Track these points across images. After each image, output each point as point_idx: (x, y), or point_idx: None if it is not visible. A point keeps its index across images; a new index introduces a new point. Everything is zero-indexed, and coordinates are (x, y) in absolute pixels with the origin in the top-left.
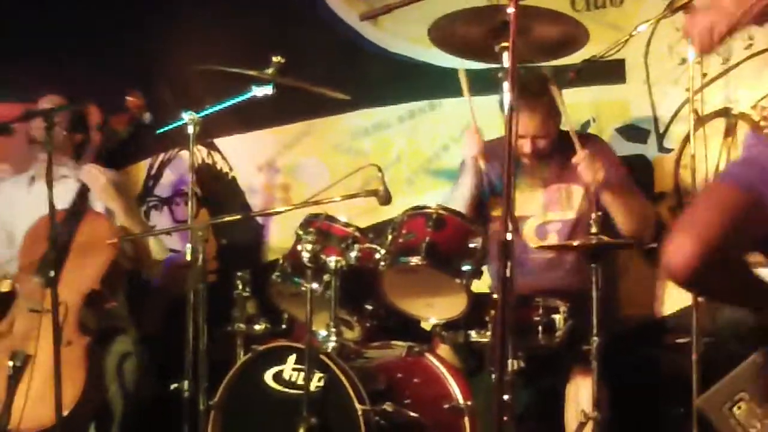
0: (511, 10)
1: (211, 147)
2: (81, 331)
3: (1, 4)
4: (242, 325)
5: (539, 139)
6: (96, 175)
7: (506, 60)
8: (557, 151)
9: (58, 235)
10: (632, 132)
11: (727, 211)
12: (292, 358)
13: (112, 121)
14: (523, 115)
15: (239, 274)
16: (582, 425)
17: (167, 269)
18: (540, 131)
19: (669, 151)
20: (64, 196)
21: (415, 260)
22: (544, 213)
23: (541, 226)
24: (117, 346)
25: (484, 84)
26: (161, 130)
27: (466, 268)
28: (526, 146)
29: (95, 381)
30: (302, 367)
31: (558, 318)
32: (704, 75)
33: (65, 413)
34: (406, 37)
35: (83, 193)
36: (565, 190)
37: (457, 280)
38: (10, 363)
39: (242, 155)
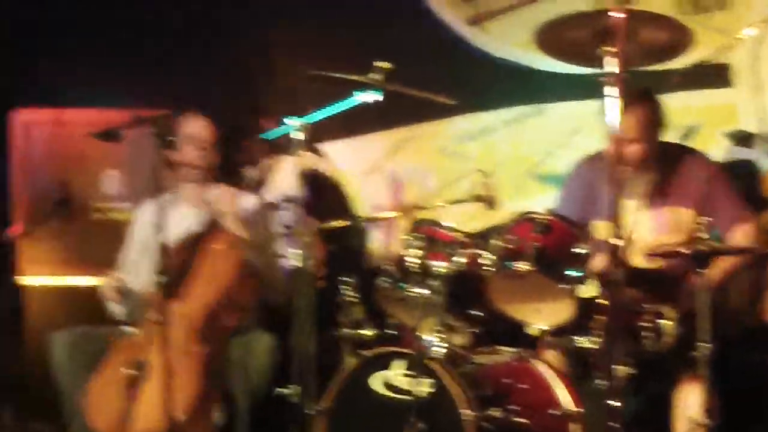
0: (617, 14)
1: (317, 152)
2: (202, 342)
3: (114, 13)
4: (349, 331)
5: (638, 144)
6: (228, 200)
7: (611, 64)
8: (661, 166)
9: (188, 250)
10: (740, 137)
11: None
12: (400, 363)
13: (253, 141)
14: (622, 119)
15: (346, 279)
16: None
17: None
18: (638, 134)
19: None
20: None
21: (521, 266)
22: (653, 236)
23: (650, 248)
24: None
25: (591, 89)
26: (267, 136)
27: (572, 273)
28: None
29: (210, 392)
30: (410, 372)
31: (666, 324)
32: None
33: (179, 421)
34: (512, 42)
35: (215, 213)
36: (675, 215)
37: (564, 286)
38: (130, 371)
39: (348, 160)
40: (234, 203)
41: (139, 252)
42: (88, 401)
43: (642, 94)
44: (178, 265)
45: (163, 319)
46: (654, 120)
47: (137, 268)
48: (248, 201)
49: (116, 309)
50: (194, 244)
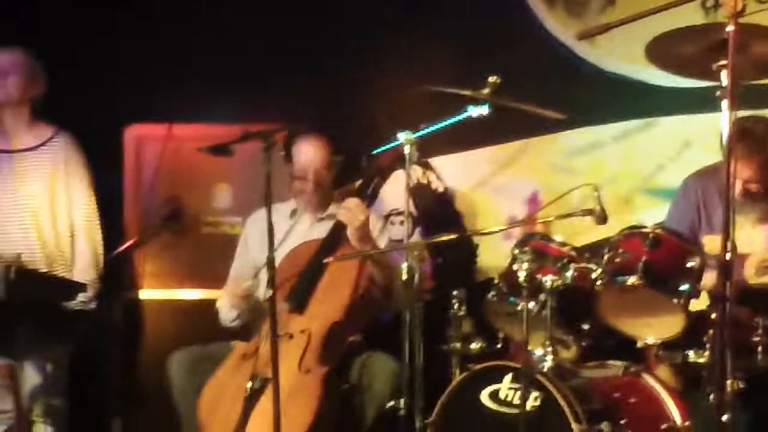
0: (730, 28)
1: (426, 166)
2: (321, 361)
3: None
4: (458, 344)
5: (751, 184)
6: (356, 214)
7: (724, 78)
8: None
9: (311, 265)
10: None
11: None
12: (509, 377)
13: (381, 158)
14: (738, 160)
15: (455, 293)
16: None
17: None
18: (753, 178)
19: None
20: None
21: (631, 280)
22: (766, 252)
23: (763, 264)
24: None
25: (702, 102)
26: (377, 151)
27: (683, 287)
28: (737, 187)
29: (327, 412)
30: (518, 386)
31: None
32: None
33: None
34: (622, 56)
35: (339, 227)
36: None
37: (674, 300)
38: (249, 384)
39: (457, 174)
40: (363, 215)
41: (253, 263)
42: (203, 405)
43: (761, 137)
44: (301, 275)
45: (286, 334)
46: None
47: (256, 280)
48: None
49: (230, 318)
50: (317, 258)
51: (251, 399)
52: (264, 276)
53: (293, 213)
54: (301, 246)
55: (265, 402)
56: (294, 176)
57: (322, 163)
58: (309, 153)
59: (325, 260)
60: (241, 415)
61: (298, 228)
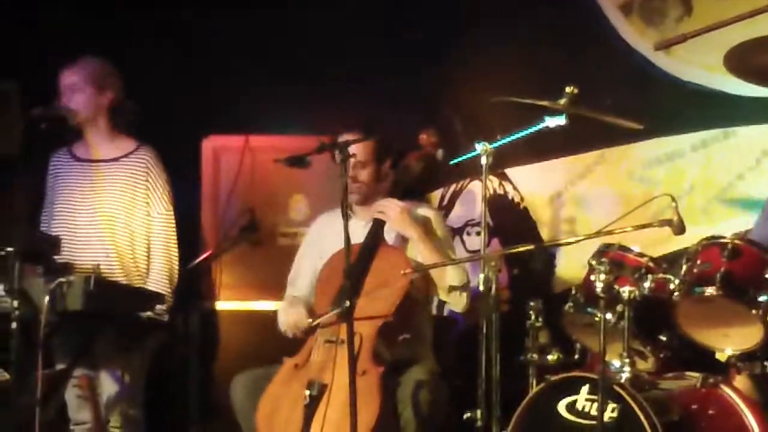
0: None
1: (503, 177)
2: (375, 361)
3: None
4: (535, 355)
5: None
6: (391, 207)
7: None
8: None
9: (354, 268)
10: None
11: None
12: (586, 388)
13: (408, 157)
14: None
15: (532, 303)
16: None
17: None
18: None
19: None
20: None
21: (710, 290)
22: None
23: None
24: (413, 374)
25: None
26: (454, 161)
27: (763, 298)
28: None
29: (389, 410)
30: (596, 397)
31: None
32: None
33: None
34: (700, 65)
35: (378, 226)
36: None
37: (754, 311)
38: (307, 392)
39: (534, 185)
40: (397, 206)
41: (311, 264)
42: (260, 420)
43: None
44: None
45: (337, 339)
46: None
47: (310, 281)
48: (422, 210)
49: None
50: (365, 259)
51: (311, 406)
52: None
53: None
54: (341, 251)
55: (324, 408)
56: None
57: (365, 163)
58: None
59: (403, 272)
60: (303, 423)
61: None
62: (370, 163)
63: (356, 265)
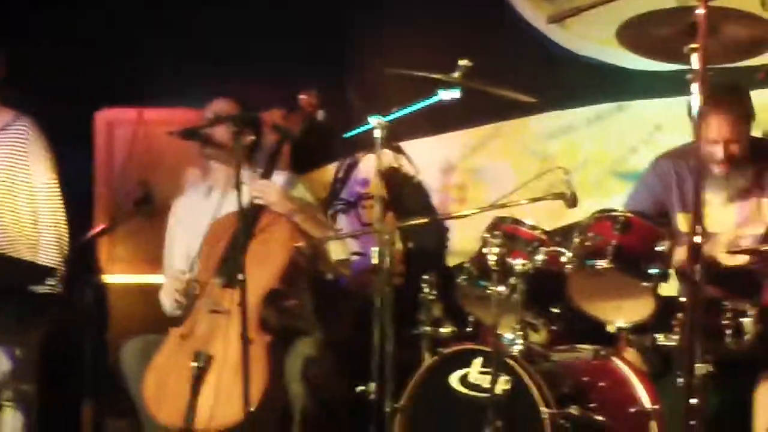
0: (700, 11)
1: (398, 150)
2: (262, 329)
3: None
4: (428, 328)
5: (732, 144)
6: (269, 191)
7: (695, 61)
8: (751, 160)
9: (237, 237)
10: None
11: None
12: (478, 361)
13: (286, 120)
14: (714, 119)
15: (425, 277)
16: None
17: (356, 273)
18: (733, 135)
19: None
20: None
21: (601, 263)
22: (736, 229)
23: (732, 243)
24: (301, 348)
25: (673, 85)
26: (349, 134)
27: (653, 271)
28: (719, 152)
29: (278, 378)
30: (488, 370)
31: (747, 321)
32: None
33: (251, 410)
34: (594, 39)
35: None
36: (757, 204)
37: (644, 284)
38: (194, 364)
39: (429, 158)
40: (277, 192)
41: (184, 243)
42: (148, 392)
43: (734, 93)
44: (226, 251)
45: (222, 309)
46: (747, 117)
47: (186, 260)
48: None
49: (174, 308)
50: (248, 226)
51: (198, 377)
52: (191, 255)
53: (209, 190)
54: (220, 220)
55: (212, 378)
56: (211, 144)
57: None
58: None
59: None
60: (190, 395)
61: (213, 202)
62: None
63: (239, 234)
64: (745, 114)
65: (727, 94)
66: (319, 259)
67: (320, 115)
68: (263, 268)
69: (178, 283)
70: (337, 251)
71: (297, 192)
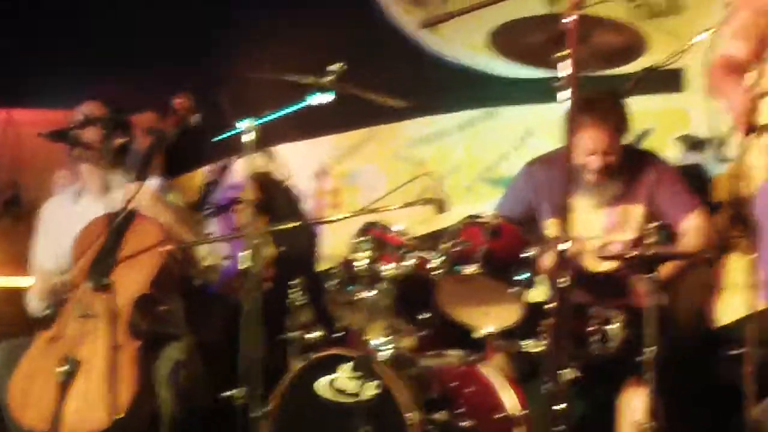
0: (571, 18)
1: (270, 154)
2: (132, 334)
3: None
4: (297, 333)
5: (607, 156)
6: (139, 196)
7: (564, 69)
8: (622, 169)
9: (108, 241)
10: (691, 141)
11: None
12: (347, 366)
13: (160, 123)
14: (590, 130)
15: (294, 281)
16: None
17: (225, 277)
18: (608, 147)
19: (727, 160)
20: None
21: (470, 269)
22: (605, 235)
23: (601, 249)
24: (170, 353)
25: (545, 92)
26: (219, 138)
27: (521, 277)
28: (594, 163)
29: (147, 384)
30: (356, 375)
31: (613, 328)
32: None
33: (119, 416)
34: (466, 45)
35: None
36: (625, 211)
37: (512, 289)
38: (62, 368)
39: (300, 162)
40: (151, 196)
41: (52, 246)
42: (12, 396)
43: (611, 104)
44: (98, 255)
45: (91, 313)
46: (622, 129)
47: (54, 263)
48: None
49: (41, 309)
50: (116, 233)
51: (65, 382)
52: (62, 259)
53: (78, 195)
54: (92, 223)
55: (80, 383)
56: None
57: (104, 126)
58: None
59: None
60: (57, 399)
61: (87, 205)
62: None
63: (110, 238)
64: (620, 125)
65: (604, 105)
66: (189, 264)
67: (194, 119)
68: (134, 272)
69: (46, 285)
70: (206, 256)
71: (169, 196)
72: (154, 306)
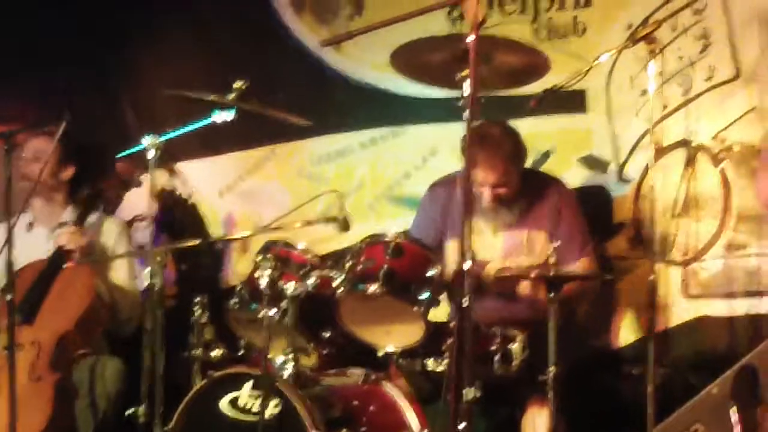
0: (472, 38)
1: (173, 171)
2: (52, 368)
3: None
4: (199, 351)
5: (500, 188)
6: (74, 238)
7: (467, 88)
8: (523, 192)
9: (40, 278)
10: (592, 162)
11: None
12: (249, 384)
13: (103, 185)
14: (483, 163)
15: (197, 299)
16: None
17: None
18: (500, 179)
19: (628, 182)
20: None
21: (372, 288)
22: (503, 260)
23: (500, 271)
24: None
25: (447, 111)
26: (121, 154)
27: (423, 296)
28: (486, 194)
29: (61, 414)
30: (258, 393)
31: (515, 347)
32: (665, 107)
33: None
34: (369, 65)
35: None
36: (527, 237)
37: (415, 308)
38: None
39: (204, 179)
40: (80, 239)
41: None
42: None
43: (504, 136)
44: (29, 290)
45: (14, 345)
46: (514, 160)
47: None
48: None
49: None
50: (48, 272)
51: None
52: None
53: (30, 226)
54: (30, 264)
55: None
56: (24, 177)
57: (49, 161)
58: (37, 150)
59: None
60: None
61: (31, 237)
62: (55, 162)
63: (40, 278)
64: (514, 156)
65: (496, 137)
66: (118, 307)
67: (136, 181)
68: (61, 311)
69: None
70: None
71: (104, 236)
72: (76, 346)
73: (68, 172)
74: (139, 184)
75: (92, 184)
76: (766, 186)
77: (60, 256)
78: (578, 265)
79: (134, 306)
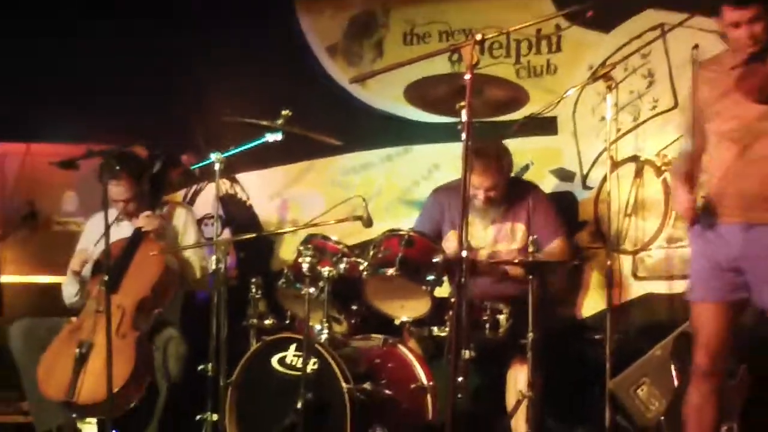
0: (467, 76)
1: (234, 180)
2: (134, 327)
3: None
4: (255, 321)
5: (490, 191)
6: (150, 221)
7: (464, 115)
8: (508, 195)
9: (120, 257)
10: (562, 173)
11: None
12: (293, 346)
13: (172, 173)
14: (477, 174)
15: (253, 280)
16: (519, 402)
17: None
18: (491, 185)
19: (590, 189)
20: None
21: (390, 271)
22: (493, 245)
23: (491, 255)
24: (165, 333)
25: (448, 134)
26: (194, 167)
27: (430, 278)
28: (480, 196)
29: (141, 367)
30: (301, 353)
31: (502, 318)
32: (618, 129)
33: (115, 390)
34: (388, 97)
35: (139, 229)
36: (510, 228)
37: (423, 287)
38: (77, 350)
39: (257, 187)
40: (156, 221)
41: (87, 252)
42: (41, 372)
43: (497, 152)
44: (114, 264)
45: (104, 309)
46: (503, 170)
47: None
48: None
49: (72, 294)
50: (130, 250)
51: (80, 361)
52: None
53: (117, 219)
54: (115, 242)
55: (92, 362)
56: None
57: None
58: (114, 190)
59: (144, 252)
60: (72, 375)
61: (119, 230)
62: (127, 184)
63: (123, 255)
64: (503, 168)
65: (490, 153)
66: (185, 274)
67: (197, 171)
68: (139, 280)
69: (75, 261)
70: (199, 263)
71: (175, 219)
72: (153, 308)
73: (146, 186)
74: (200, 177)
75: (163, 176)
76: (679, 201)
77: (138, 236)
78: (554, 244)
79: (203, 275)
